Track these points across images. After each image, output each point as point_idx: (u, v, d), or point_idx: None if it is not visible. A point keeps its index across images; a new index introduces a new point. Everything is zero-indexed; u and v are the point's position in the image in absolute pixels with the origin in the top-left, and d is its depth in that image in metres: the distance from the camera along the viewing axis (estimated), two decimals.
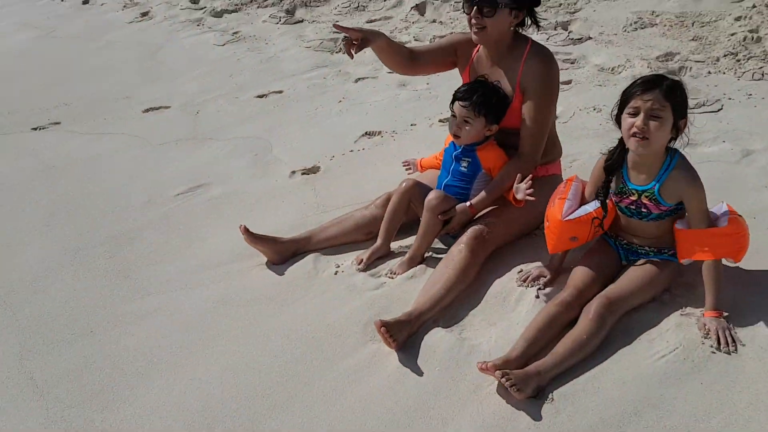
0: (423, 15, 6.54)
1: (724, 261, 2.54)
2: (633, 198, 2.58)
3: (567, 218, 2.65)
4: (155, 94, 5.40)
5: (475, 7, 2.85)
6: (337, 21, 6.62)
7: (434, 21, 6.34)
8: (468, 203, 2.98)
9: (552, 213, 2.71)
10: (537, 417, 2.24)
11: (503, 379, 2.25)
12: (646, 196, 2.55)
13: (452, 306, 2.75)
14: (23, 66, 6.50)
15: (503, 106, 2.96)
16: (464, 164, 3.02)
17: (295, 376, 2.48)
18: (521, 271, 2.89)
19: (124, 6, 8.20)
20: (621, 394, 2.27)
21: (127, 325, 2.82)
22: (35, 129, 4.97)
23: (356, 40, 2.90)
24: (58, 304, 2.98)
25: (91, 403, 2.45)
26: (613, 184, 2.63)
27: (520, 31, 3.01)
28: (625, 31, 5.51)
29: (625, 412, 2.20)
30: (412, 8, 6.60)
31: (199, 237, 3.37)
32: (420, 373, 2.46)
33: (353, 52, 2.92)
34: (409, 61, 3.11)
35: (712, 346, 2.41)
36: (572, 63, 5.06)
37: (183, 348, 2.67)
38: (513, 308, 2.72)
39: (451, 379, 2.42)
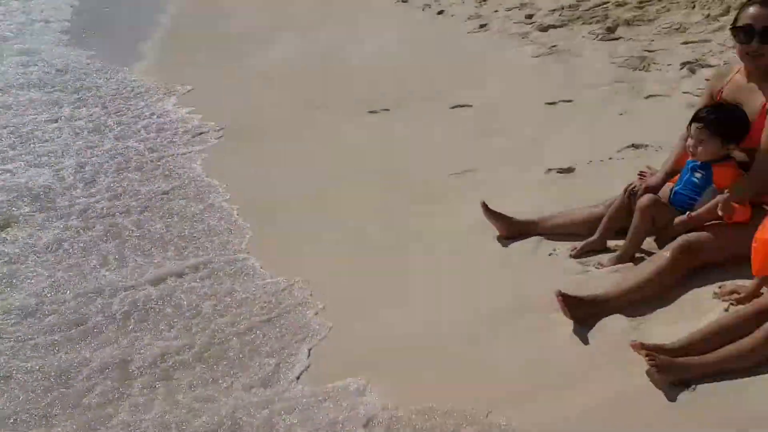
0: None
1: None
2: None
3: None
4: (465, 93, 6.34)
5: (756, 38, 3.04)
6: (649, 46, 6.73)
7: None
8: (687, 214, 3.19)
9: (762, 235, 2.79)
10: (671, 398, 2.48)
11: (647, 358, 2.55)
12: None
13: (639, 302, 3.02)
14: (376, 63, 8.06)
15: (741, 127, 3.11)
16: (698, 175, 3.24)
17: (489, 320, 3.12)
18: (722, 286, 3.01)
19: (469, 18, 9.38)
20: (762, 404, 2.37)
21: None
22: (371, 112, 6.33)
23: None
24: None
25: None
26: None
27: None
28: None
29: (757, 420, 2.31)
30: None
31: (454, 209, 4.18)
32: (586, 342, 2.86)
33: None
34: None
35: None
36: None
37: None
38: (700, 316, 2.89)
39: (610, 354, 2.77)
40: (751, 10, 3.06)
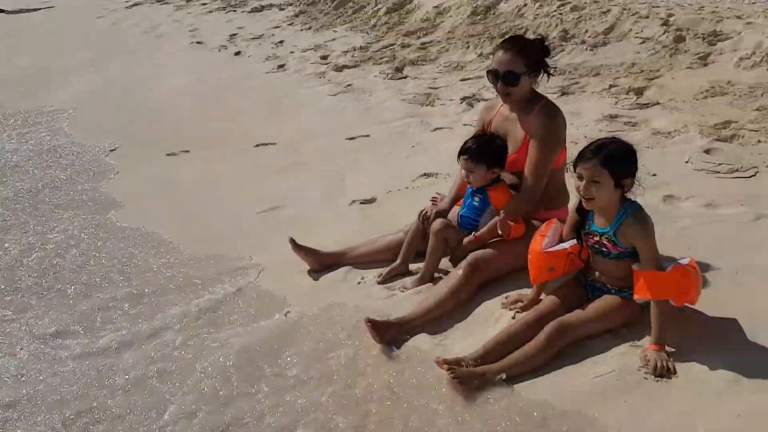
0: None
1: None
2: (596, 238, 3.02)
3: (545, 250, 3.14)
4: (268, 132, 6.44)
5: (500, 81, 3.45)
6: (433, 83, 7.35)
7: None
8: (473, 234, 3.54)
9: (533, 246, 3.21)
10: (473, 404, 2.74)
11: (449, 372, 2.78)
12: (606, 238, 2.98)
13: (440, 319, 3.29)
14: (176, 101, 7.89)
15: (501, 153, 3.53)
16: (476, 199, 3.61)
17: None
18: (508, 296, 3.38)
19: (266, 58, 9.54)
20: (551, 398, 2.70)
21: None
22: (169, 155, 6.16)
23: None
24: None
25: None
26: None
27: (535, 87, 3.56)
28: (695, 99, 5.75)
29: (549, 414, 2.64)
30: None
31: (262, 246, 4.21)
32: (394, 360, 3.05)
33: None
34: None
35: (646, 373, 2.77)
36: (633, 125, 5.41)
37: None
38: (492, 325, 3.22)
39: (421, 370, 2.97)
40: (497, 55, 3.49)
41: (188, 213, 4.87)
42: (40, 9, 16.05)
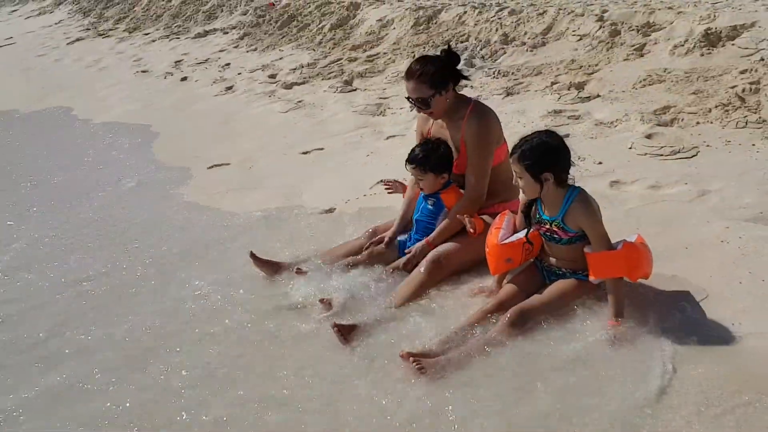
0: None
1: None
2: (547, 226, 3.12)
3: (502, 242, 3.22)
4: (220, 153, 6.42)
5: (415, 107, 3.60)
6: (383, 93, 7.47)
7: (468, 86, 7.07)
8: (424, 240, 3.62)
9: (490, 240, 3.30)
10: (443, 396, 2.78)
11: (413, 363, 2.83)
12: (556, 225, 3.08)
13: (406, 314, 3.34)
14: (123, 130, 7.80)
15: (447, 159, 3.64)
16: (431, 203, 3.71)
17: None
18: (471, 288, 3.46)
19: (214, 82, 9.52)
20: (509, 372, 2.79)
21: None
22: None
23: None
24: None
25: None
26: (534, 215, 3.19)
27: (460, 89, 3.67)
28: (634, 88, 5.97)
29: (505, 381, 2.74)
30: None
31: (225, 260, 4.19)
32: (363, 357, 3.07)
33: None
34: None
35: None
36: (576, 119, 5.58)
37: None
38: (456, 316, 3.27)
39: (385, 360, 2.99)
40: (406, 83, 3.59)
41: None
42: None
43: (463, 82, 3.72)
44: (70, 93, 10.22)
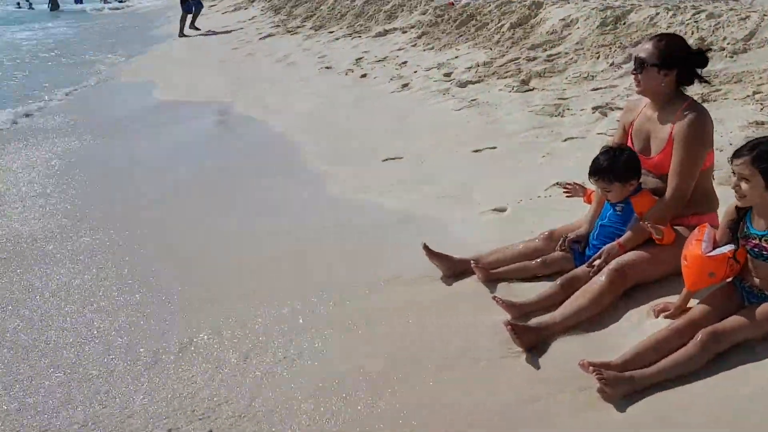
0: None
1: None
2: (755, 241, 2.81)
3: (707, 255, 2.92)
4: (395, 148, 6.56)
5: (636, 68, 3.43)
6: (562, 94, 7.20)
7: None
8: (616, 242, 3.41)
9: (691, 251, 2.96)
10: (621, 409, 2.62)
11: (596, 375, 2.68)
12: (766, 240, 2.77)
13: (583, 324, 3.19)
14: (307, 125, 8.24)
15: (632, 164, 3.41)
16: (618, 208, 3.49)
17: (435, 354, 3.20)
18: (656, 305, 3.21)
19: (391, 79, 9.77)
20: (703, 410, 2.54)
21: None
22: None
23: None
24: None
25: None
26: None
27: (684, 90, 3.43)
28: None
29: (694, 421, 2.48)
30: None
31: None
32: (538, 367, 2.98)
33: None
34: None
35: None
36: None
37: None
38: (638, 333, 3.06)
39: (564, 375, 2.88)
40: (643, 43, 3.48)
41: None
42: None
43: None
44: (263, 88, 10.94)
